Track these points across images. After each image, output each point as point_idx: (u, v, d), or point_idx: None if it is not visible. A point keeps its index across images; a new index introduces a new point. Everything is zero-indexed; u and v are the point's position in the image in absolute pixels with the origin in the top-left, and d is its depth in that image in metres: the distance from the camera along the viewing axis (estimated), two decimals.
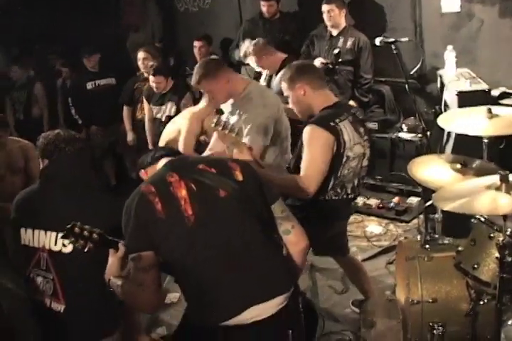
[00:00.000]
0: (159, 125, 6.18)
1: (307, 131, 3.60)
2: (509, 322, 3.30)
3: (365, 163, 3.87)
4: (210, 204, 2.73)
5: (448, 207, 2.82)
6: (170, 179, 2.74)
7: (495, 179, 2.91)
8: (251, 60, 5.81)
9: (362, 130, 3.78)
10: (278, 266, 2.79)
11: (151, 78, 6.16)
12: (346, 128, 3.64)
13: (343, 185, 3.79)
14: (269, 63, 5.76)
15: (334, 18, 6.24)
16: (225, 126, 3.45)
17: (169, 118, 5.86)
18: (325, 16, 6.25)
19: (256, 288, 2.70)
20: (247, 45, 5.79)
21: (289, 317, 2.79)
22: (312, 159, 3.57)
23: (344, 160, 3.66)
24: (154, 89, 6.24)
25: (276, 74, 5.35)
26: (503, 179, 2.81)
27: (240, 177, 2.80)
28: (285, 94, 3.84)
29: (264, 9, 6.89)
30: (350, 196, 3.87)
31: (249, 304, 2.66)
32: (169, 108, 6.23)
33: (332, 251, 4.20)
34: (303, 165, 3.59)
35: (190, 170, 2.81)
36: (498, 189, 2.85)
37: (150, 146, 6.38)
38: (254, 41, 5.80)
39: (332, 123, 3.60)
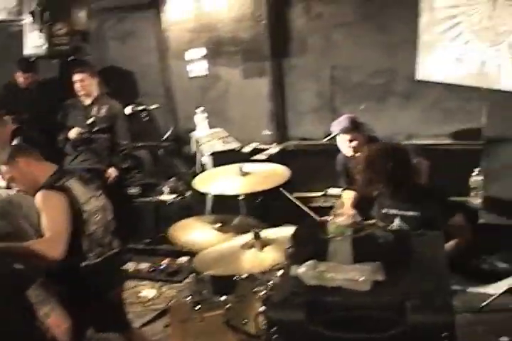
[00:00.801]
0: None
1: (38, 198, 3.54)
2: None
3: (109, 216, 3.88)
4: None
5: (209, 271, 2.91)
6: None
7: (249, 237, 3.06)
8: None
9: (92, 186, 3.82)
10: None
11: None
12: (74, 185, 3.66)
13: (100, 244, 3.75)
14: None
15: (86, 87, 6.22)
16: None
17: None
18: (77, 86, 6.22)
19: None
20: None
21: None
22: (51, 220, 3.48)
23: (85, 215, 3.65)
24: None
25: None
26: (256, 237, 2.96)
27: None
28: (7, 176, 3.77)
29: (20, 80, 6.69)
30: (109, 253, 3.82)
31: None
32: None
33: (113, 326, 4.09)
34: (44, 229, 3.49)
35: None
36: (253, 247, 3.00)
37: None
38: None
39: (58, 184, 3.60)
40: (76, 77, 6.19)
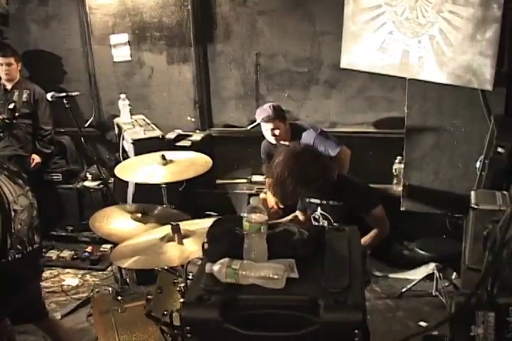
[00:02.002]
0: None
1: None
2: None
3: (34, 212, 3.79)
4: None
5: (125, 264, 2.88)
6: None
7: (168, 230, 3.04)
8: None
9: (21, 181, 3.71)
10: None
11: None
12: (4, 183, 3.55)
13: (22, 241, 3.67)
14: None
15: (11, 71, 6.05)
16: None
17: None
18: (0, 70, 6.04)
19: None
20: None
21: None
22: None
23: (13, 215, 3.56)
24: None
25: None
26: (175, 230, 2.95)
27: None
28: None
29: None
30: (29, 248, 3.74)
31: None
32: None
33: (30, 317, 4.01)
34: None
35: None
36: (171, 240, 2.98)
37: None
38: None
39: None
40: (3, 60, 6.01)
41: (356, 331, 1.89)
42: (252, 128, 5.65)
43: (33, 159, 6.14)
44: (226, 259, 2.07)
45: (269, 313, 1.97)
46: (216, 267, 2.05)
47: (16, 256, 3.60)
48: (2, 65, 6.03)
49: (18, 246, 3.62)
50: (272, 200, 5.06)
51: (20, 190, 3.64)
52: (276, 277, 1.99)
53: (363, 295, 2.03)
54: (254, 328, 1.94)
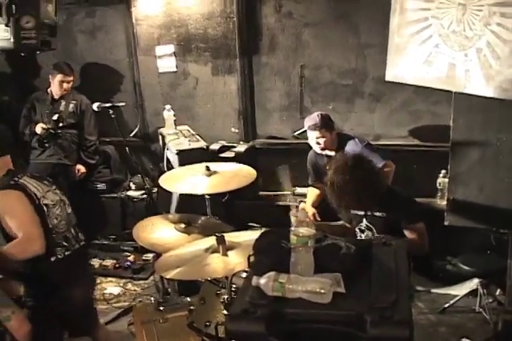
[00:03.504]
0: None
1: None
2: None
3: (69, 209, 3.85)
4: None
5: (171, 275, 2.89)
6: None
7: (213, 241, 3.04)
8: None
9: (45, 181, 3.81)
10: None
11: None
12: (28, 182, 3.64)
13: (66, 236, 3.72)
14: None
15: (69, 88, 6.19)
16: None
17: None
18: (63, 86, 6.14)
19: None
20: None
21: None
22: (18, 220, 3.47)
23: (46, 210, 3.62)
24: None
25: None
26: (219, 241, 2.95)
27: None
28: None
29: None
30: (77, 246, 3.79)
31: None
32: None
33: (85, 327, 4.04)
34: (16, 229, 3.46)
35: None
36: (216, 251, 2.99)
37: None
38: None
39: (12, 182, 3.58)
40: (64, 78, 6.14)
41: None
42: (297, 135, 5.65)
43: (79, 170, 6.25)
44: (273, 273, 2.06)
45: (314, 328, 1.96)
46: (263, 280, 2.05)
47: (66, 253, 3.67)
48: (63, 82, 6.14)
49: (65, 243, 3.70)
50: (310, 211, 5.05)
51: (47, 187, 3.75)
52: (323, 291, 1.98)
53: (410, 311, 2.00)
54: None
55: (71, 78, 6.18)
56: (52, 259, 3.61)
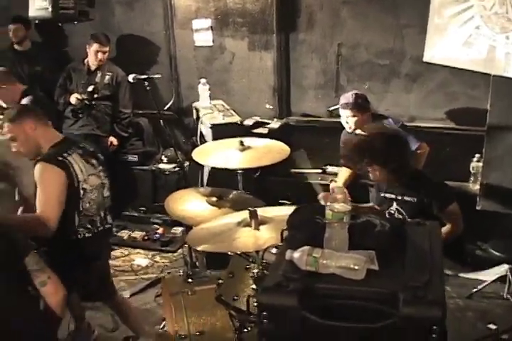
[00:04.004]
0: None
1: (37, 170, 3.52)
2: None
3: (106, 193, 3.87)
4: None
5: (202, 247, 2.90)
6: None
7: (245, 215, 3.05)
8: None
9: (94, 161, 3.79)
10: (33, 320, 2.70)
11: None
12: (76, 161, 3.63)
13: (92, 220, 3.75)
14: (7, 93, 5.49)
15: (104, 58, 6.21)
16: None
17: None
18: (99, 57, 6.16)
19: None
20: None
21: None
22: (46, 195, 3.48)
23: (82, 193, 3.63)
24: None
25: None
26: (252, 215, 2.95)
27: None
28: (9, 135, 3.70)
29: (10, 34, 6.58)
30: (101, 228, 3.83)
31: None
32: None
33: (100, 296, 4.11)
34: (38, 202, 3.48)
35: None
36: (248, 225, 2.99)
37: None
38: None
39: (60, 158, 3.56)
40: (100, 48, 6.14)
41: (434, 327, 1.86)
42: (332, 110, 5.62)
43: (111, 142, 6.28)
44: (307, 247, 2.05)
45: (346, 304, 1.96)
46: (297, 254, 2.05)
47: (87, 235, 3.69)
48: (99, 52, 6.15)
49: (88, 226, 3.70)
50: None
51: (92, 170, 3.72)
52: (356, 268, 1.98)
53: (443, 292, 1.99)
54: (331, 318, 1.92)
55: (107, 49, 6.19)
56: (73, 238, 3.65)
